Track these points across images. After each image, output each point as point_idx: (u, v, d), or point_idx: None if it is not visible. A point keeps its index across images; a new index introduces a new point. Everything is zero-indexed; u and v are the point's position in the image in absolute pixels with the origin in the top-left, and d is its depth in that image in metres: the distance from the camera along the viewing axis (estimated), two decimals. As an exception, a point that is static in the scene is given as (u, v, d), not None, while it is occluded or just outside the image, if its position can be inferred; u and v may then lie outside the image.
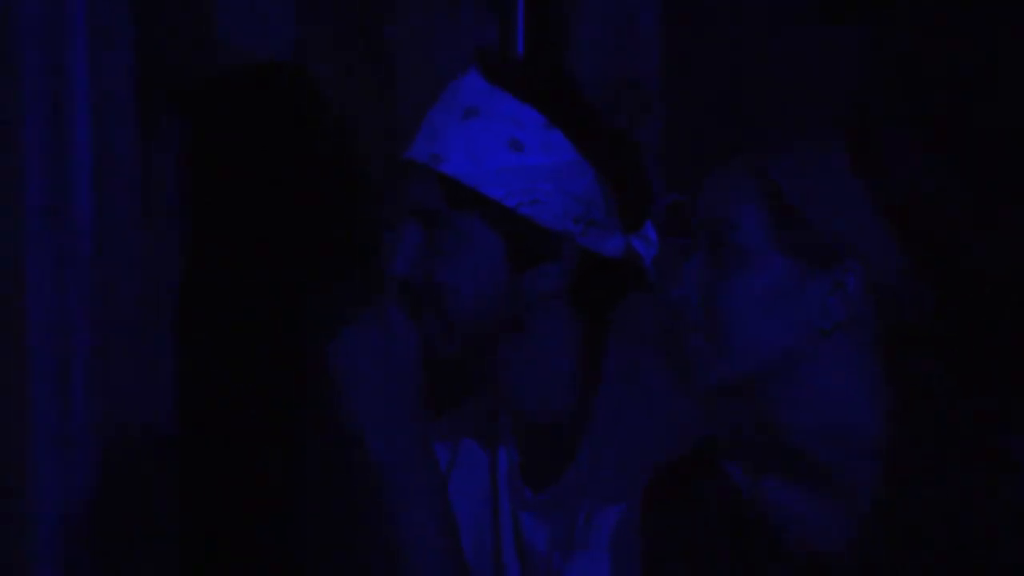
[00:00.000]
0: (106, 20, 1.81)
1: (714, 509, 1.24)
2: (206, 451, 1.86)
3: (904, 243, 1.16)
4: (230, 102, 1.87)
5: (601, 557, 1.39)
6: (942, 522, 1.12)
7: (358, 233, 1.74)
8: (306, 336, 1.66)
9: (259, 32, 1.82)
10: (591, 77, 1.79)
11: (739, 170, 1.18)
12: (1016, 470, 1.13)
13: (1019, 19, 1.73)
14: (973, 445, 1.15)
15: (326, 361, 1.42)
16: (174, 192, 1.80)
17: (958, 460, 1.13)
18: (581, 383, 1.45)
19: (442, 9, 1.80)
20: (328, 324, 1.43)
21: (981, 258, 1.23)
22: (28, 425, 1.81)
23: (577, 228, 1.40)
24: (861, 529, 1.15)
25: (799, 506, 1.17)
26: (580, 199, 1.41)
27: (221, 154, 1.85)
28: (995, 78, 1.77)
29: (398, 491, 1.42)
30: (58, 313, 1.83)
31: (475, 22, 1.73)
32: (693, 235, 1.21)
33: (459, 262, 1.39)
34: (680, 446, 1.29)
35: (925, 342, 1.19)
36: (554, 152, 1.41)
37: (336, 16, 1.85)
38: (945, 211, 1.22)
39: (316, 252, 1.83)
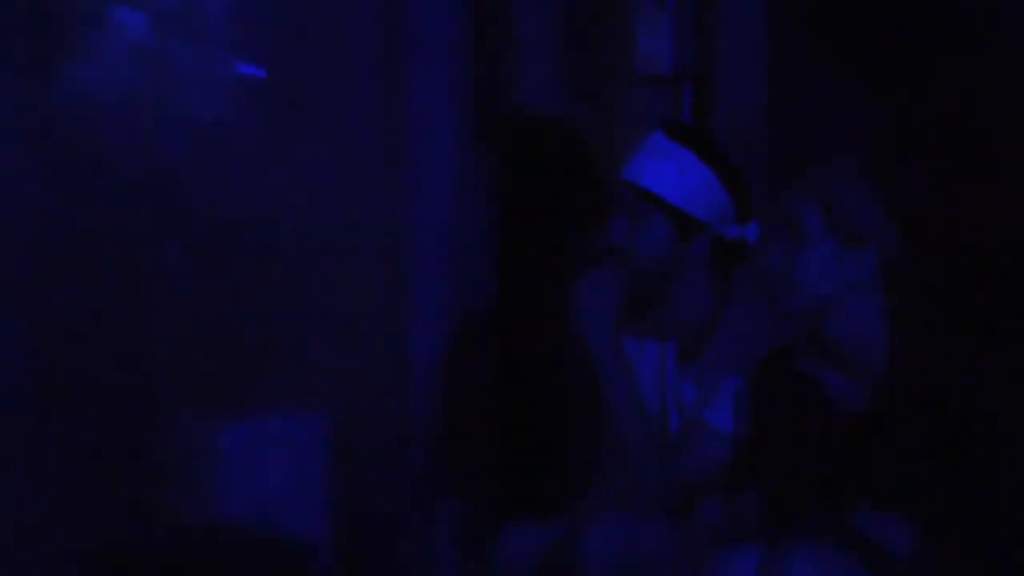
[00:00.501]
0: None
1: (792, 386, 2.20)
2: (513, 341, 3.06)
3: (904, 234, 2.23)
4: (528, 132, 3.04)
5: (725, 412, 2.40)
6: (931, 389, 2.16)
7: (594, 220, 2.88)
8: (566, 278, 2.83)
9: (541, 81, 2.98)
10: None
11: (805, 187, 2.27)
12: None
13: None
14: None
15: (574, 295, 2.60)
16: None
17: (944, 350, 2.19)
18: (715, 308, 2.59)
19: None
20: (575, 274, 2.62)
21: (958, 246, 2.30)
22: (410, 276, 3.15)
23: (715, 220, 2.55)
24: (875, 396, 2.14)
25: (840, 383, 2.23)
26: (716, 203, 2.55)
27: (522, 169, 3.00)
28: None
29: (607, 368, 2.61)
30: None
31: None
32: (781, 227, 2.31)
33: (648, 236, 2.55)
34: (771, 346, 2.40)
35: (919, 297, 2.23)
36: (702, 176, 2.54)
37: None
38: (930, 214, 2.28)
39: (572, 232, 2.98)
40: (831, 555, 2.15)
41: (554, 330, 2.90)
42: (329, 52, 3.21)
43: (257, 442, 3.17)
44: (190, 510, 3.17)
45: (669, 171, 2.55)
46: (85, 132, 3.29)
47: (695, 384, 2.63)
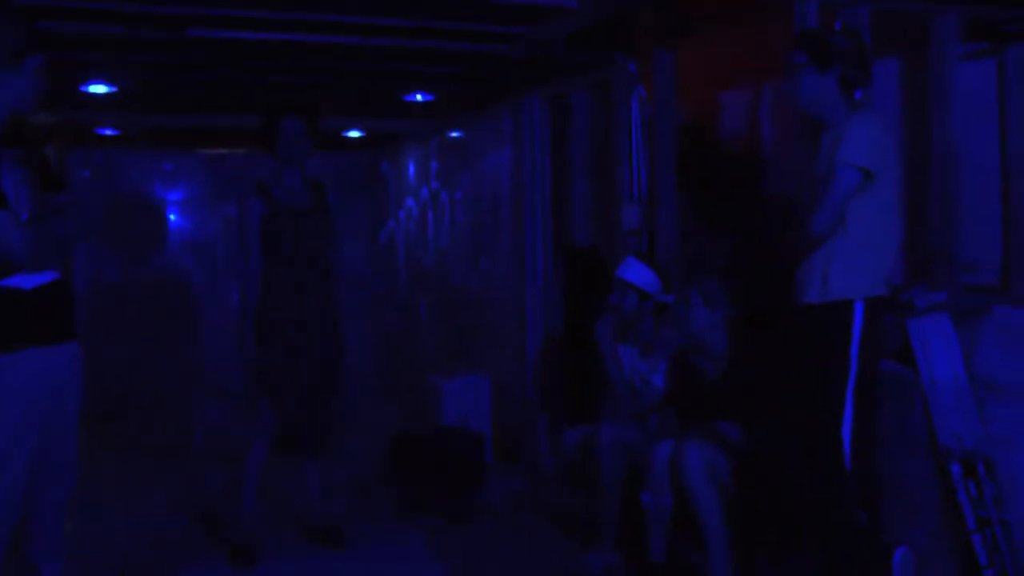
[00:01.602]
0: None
1: (686, 366, 5.61)
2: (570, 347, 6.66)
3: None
4: (578, 255, 6.65)
5: (659, 378, 5.52)
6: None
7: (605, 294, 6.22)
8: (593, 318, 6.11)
9: (585, 231, 6.63)
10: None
11: (693, 283, 5.71)
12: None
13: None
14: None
15: (597, 327, 5.91)
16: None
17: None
18: (655, 332, 6.21)
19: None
20: (597, 317, 6.00)
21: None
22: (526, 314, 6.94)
23: (655, 293, 6.11)
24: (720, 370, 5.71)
25: (707, 365, 5.43)
26: (656, 286, 6.11)
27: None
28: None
29: (609, 360, 5.95)
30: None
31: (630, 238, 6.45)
32: (682, 298, 5.76)
33: (627, 300, 6.17)
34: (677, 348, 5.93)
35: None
36: (649, 275, 6.13)
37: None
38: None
39: (596, 298, 6.43)
40: (705, 444, 4.51)
41: (587, 343, 6.30)
42: (495, 215, 7.15)
43: (461, 389, 7.03)
44: (435, 417, 7.01)
45: (635, 272, 5.49)
46: (416, 259, 7.55)
47: (647, 366, 5.61)
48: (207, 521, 5.77)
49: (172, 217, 10.06)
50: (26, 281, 3.43)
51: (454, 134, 8.51)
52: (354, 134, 9.46)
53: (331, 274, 5.22)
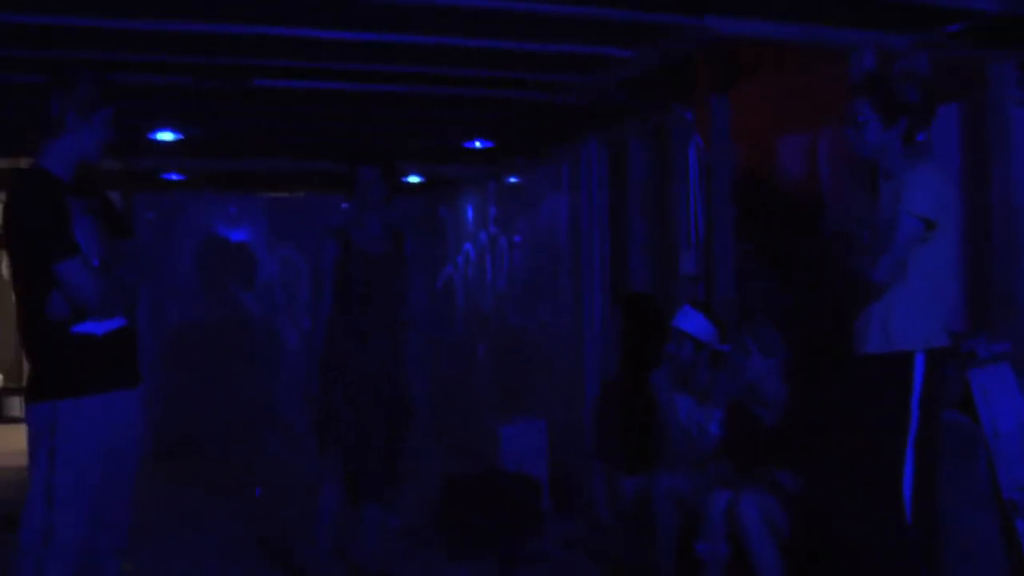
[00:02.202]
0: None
1: (743, 415, 5.61)
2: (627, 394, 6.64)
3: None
4: (637, 302, 6.63)
5: (715, 425, 5.82)
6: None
7: (663, 342, 6.26)
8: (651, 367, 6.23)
9: (643, 279, 6.67)
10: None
11: (747, 330, 5.68)
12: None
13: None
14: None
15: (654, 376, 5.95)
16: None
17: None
18: (712, 381, 6.17)
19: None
20: (655, 366, 6.00)
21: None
22: (583, 360, 6.94)
23: (712, 342, 6.05)
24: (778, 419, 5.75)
25: (764, 413, 5.47)
26: (711, 335, 6.06)
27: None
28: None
29: (666, 407, 5.90)
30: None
31: (687, 285, 6.42)
32: (739, 347, 5.70)
33: (683, 350, 6.13)
34: (734, 397, 5.91)
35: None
36: (705, 324, 6.10)
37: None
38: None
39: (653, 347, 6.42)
40: (762, 493, 4.50)
41: (644, 390, 6.29)
42: (553, 260, 7.18)
43: (519, 433, 7.03)
44: (491, 461, 7.01)
45: (691, 321, 5.50)
46: (475, 303, 7.58)
47: (703, 414, 5.59)
48: (275, 558, 5.83)
49: (233, 259, 10.21)
50: (98, 327, 3.51)
51: (513, 179, 8.56)
52: (414, 179, 9.55)
53: (402, 322, 5.27)
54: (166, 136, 6.96)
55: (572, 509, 6.89)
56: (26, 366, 3.65)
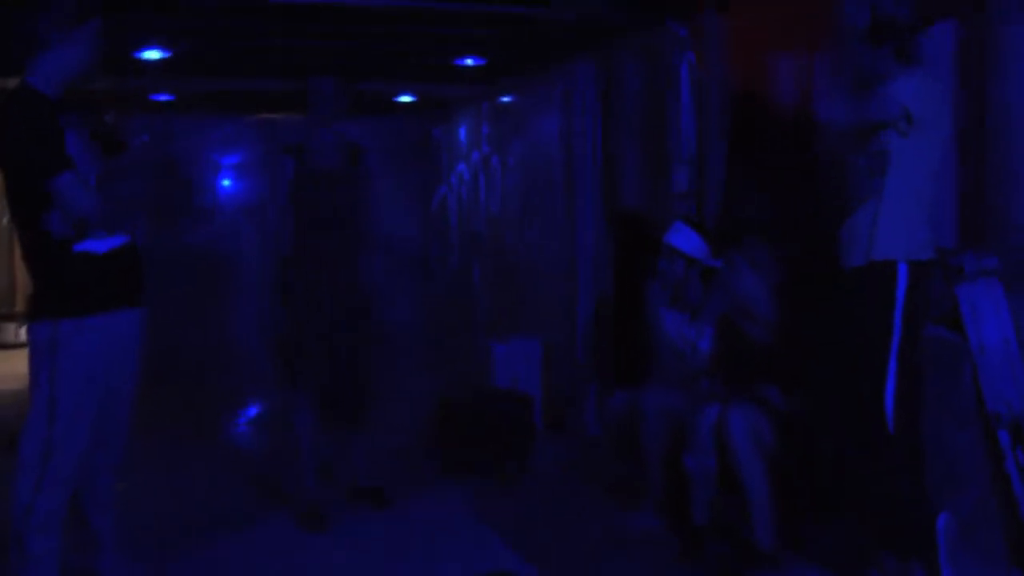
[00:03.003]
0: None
1: (732, 329, 5.70)
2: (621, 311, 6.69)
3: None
4: (628, 217, 6.64)
5: (706, 342, 5.55)
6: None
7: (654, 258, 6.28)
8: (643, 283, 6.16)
9: (632, 194, 6.65)
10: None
11: (739, 247, 5.74)
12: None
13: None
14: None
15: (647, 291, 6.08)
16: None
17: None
18: (703, 296, 6.21)
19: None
20: (646, 282, 6.04)
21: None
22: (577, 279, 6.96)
23: (703, 257, 6.10)
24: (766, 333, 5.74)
25: (752, 327, 5.49)
26: (703, 251, 6.08)
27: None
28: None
29: (657, 322, 5.97)
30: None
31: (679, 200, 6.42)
32: (729, 263, 5.76)
33: (674, 265, 6.17)
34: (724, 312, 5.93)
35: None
36: (696, 239, 6.09)
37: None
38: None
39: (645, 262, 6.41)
40: (750, 408, 4.56)
41: (637, 306, 6.33)
42: (547, 179, 7.15)
43: (512, 352, 7.07)
44: (486, 380, 7.06)
45: (683, 238, 5.40)
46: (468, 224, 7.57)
47: (694, 331, 5.53)
48: (262, 484, 5.84)
49: (226, 182, 10.16)
50: (99, 245, 3.51)
51: (506, 99, 8.51)
52: (406, 99, 9.48)
53: (362, 239, 5.16)
54: (153, 55, 6.90)
55: (565, 427, 6.96)
56: (18, 291, 3.66)
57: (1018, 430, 4.07)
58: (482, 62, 7.62)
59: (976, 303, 4.27)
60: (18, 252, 3.61)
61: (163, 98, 9.04)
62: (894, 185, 3.72)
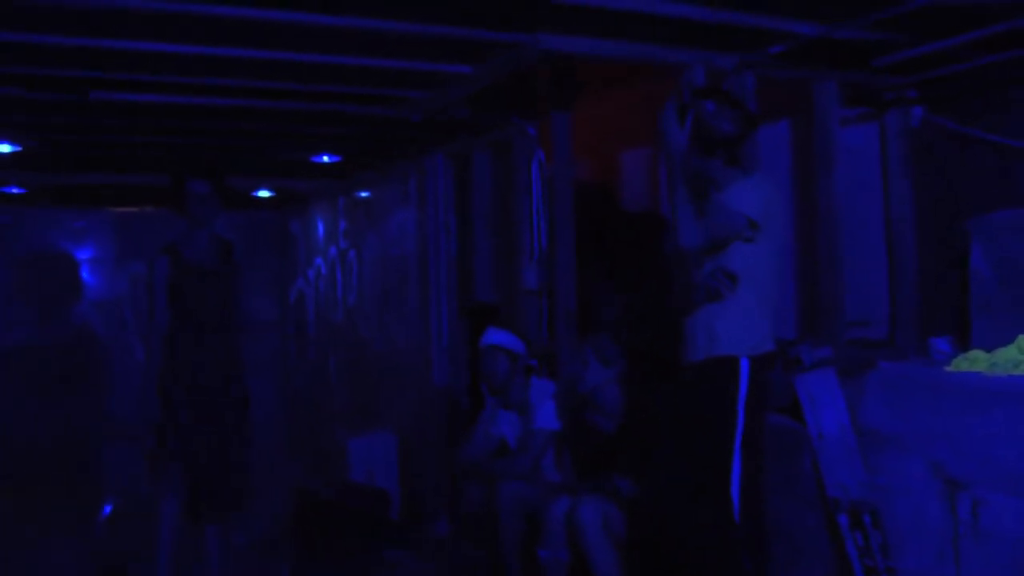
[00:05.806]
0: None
1: (582, 423, 5.76)
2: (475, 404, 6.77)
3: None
4: (480, 311, 6.76)
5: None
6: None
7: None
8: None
9: (487, 288, 6.73)
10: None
11: (587, 342, 5.83)
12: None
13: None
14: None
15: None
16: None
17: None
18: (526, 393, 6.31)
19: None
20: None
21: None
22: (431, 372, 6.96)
23: (522, 355, 6.19)
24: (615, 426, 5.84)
25: (602, 421, 5.58)
26: (521, 350, 6.19)
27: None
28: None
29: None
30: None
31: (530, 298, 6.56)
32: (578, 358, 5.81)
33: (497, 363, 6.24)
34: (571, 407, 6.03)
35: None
36: (514, 340, 6.21)
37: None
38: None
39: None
40: (600, 499, 4.55)
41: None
42: (402, 273, 7.21)
43: (367, 445, 7.06)
44: (341, 474, 7.02)
45: (501, 336, 5.52)
46: (326, 317, 7.49)
47: (524, 422, 5.53)
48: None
49: (80, 276, 9.95)
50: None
51: (362, 193, 8.59)
52: (264, 194, 9.49)
53: (237, 334, 5.28)
54: (3, 148, 6.77)
55: (423, 518, 6.94)
56: None
57: (855, 514, 4.24)
58: (337, 159, 7.69)
59: (813, 392, 4.46)
60: None
61: (14, 191, 8.85)
62: (737, 286, 3.85)
